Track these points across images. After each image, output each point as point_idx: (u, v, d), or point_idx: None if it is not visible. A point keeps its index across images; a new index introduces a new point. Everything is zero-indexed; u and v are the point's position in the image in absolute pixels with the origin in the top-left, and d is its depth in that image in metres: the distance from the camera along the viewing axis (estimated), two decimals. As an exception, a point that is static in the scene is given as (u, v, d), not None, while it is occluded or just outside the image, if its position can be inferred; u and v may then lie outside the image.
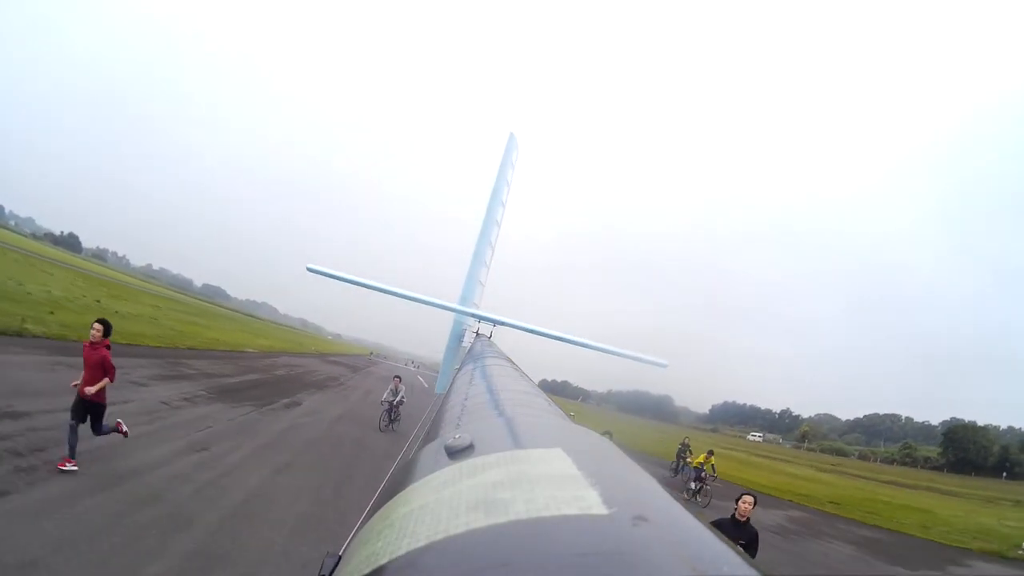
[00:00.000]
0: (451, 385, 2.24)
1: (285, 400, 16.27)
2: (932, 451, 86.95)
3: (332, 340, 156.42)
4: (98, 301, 31.59)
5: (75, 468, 6.34)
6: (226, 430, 10.36)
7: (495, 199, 6.15)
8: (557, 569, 0.32)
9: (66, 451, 6.37)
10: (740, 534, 5.64)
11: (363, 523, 0.58)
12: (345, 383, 28.56)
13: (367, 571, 0.40)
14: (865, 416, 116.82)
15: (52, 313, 20.11)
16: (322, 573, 0.67)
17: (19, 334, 14.46)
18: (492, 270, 6.16)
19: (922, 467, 78.95)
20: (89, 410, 6.69)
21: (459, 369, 3.04)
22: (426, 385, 34.73)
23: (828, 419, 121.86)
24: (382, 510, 0.55)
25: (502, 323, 4.69)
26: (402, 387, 15.75)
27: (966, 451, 78.46)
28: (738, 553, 0.36)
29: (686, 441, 20.51)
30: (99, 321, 6.79)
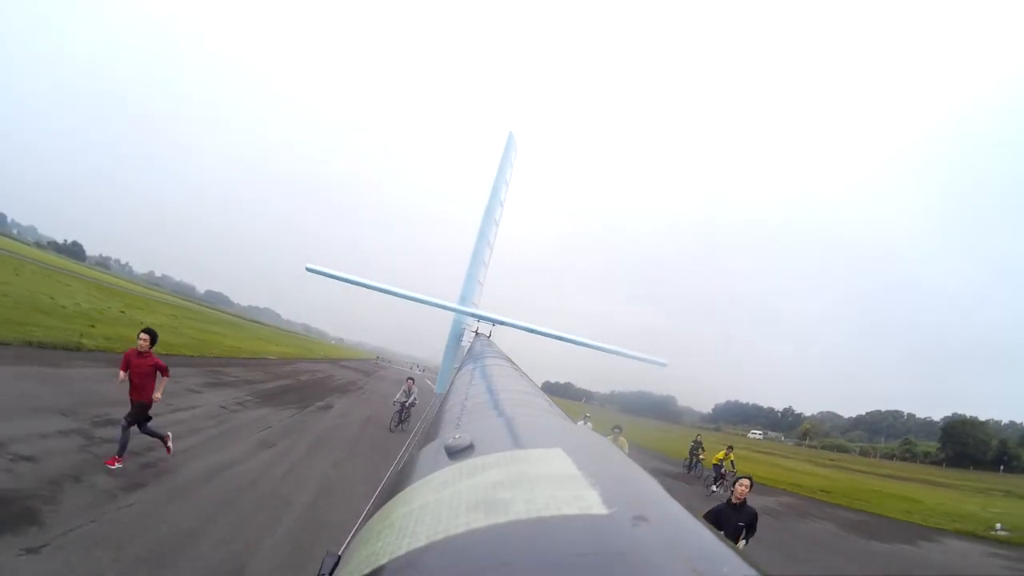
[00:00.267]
0: (451, 385, 2.26)
1: (319, 403, 17.76)
2: (932, 446, 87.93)
3: (336, 345, 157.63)
4: (123, 312, 32.85)
5: (121, 466, 6.78)
6: (283, 430, 11.84)
7: (494, 199, 6.15)
8: (557, 569, 0.32)
9: (116, 450, 6.84)
10: (739, 516, 5.83)
11: (363, 523, 0.58)
12: (363, 387, 30.05)
13: (367, 571, 0.40)
14: (867, 413, 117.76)
15: (93, 327, 21.43)
16: (322, 573, 0.67)
17: (78, 348, 15.84)
18: (491, 270, 6.18)
19: (921, 462, 79.64)
20: (139, 410, 7.14)
21: (459, 369, 3.04)
22: (430, 384, 36.23)
23: (831, 417, 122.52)
24: (382, 510, 0.55)
25: (502, 323, 4.68)
26: (415, 389, 16.34)
27: (964, 445, 79.26)
28: (738, 553, 0.36)
29: (698, 438, 20.57)
30: (146, 331, 7.14)
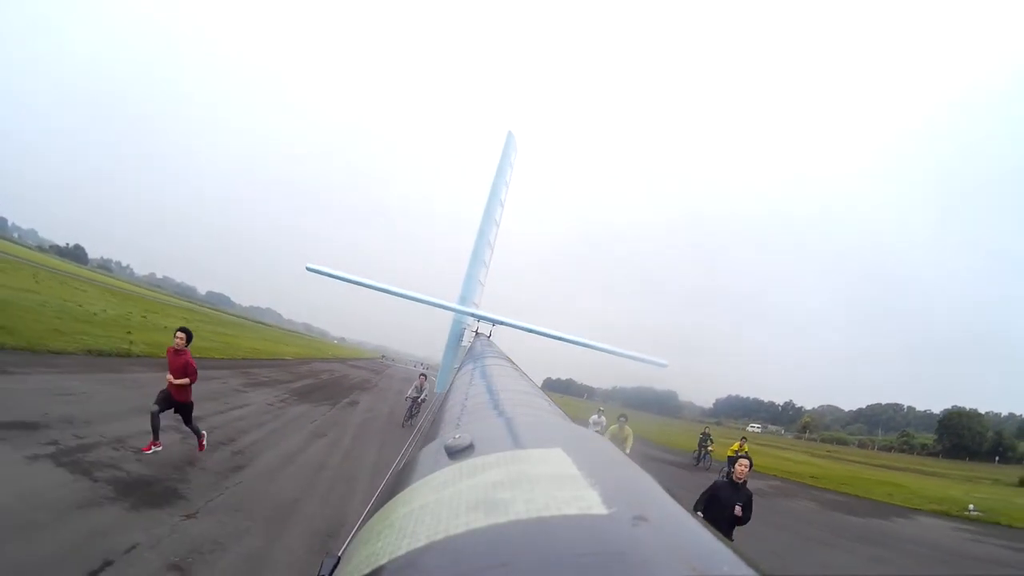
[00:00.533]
0: (451, 385, 2.25)
1: (346, 400, 19.38)
2: (929, 438, 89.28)
3: (340, 344, 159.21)
4: (144, 317, 33.85)
5: (159, 449, 7.38)
6: (326, 423, 13.39)
7: (493, 198, 6.15)
8: (557, 569, 0.32)
9: (151, 436, 7.36)
10: (738, 496, 6.01)
11: (363, 523, 0.58)
12: (378, 384, 31.79)
13: (367, 571, 0.40)
14: (867, 406, 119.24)
15: (130, 333, 22.61)
16: (321, 573, 0.67)
17: (128, 355, 17.05)
18: (491, 270, 6.19)
19: (919, 454, 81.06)
20: (179, 409, 7.66)
21: (459, 369, 3.04)
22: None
23: (831, 410, 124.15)
24: (382, 510, 0.56)
25: (501, 323, 4.65)
26: (427, 385, 16.37)
27: (960, 437, 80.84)
28: (738, 553, 0.36)
29: (707, 431, 21.11)
30: (182, 330, 7.64)
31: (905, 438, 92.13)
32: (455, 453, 0.61)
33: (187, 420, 7.89)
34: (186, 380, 7.55)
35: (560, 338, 4.22)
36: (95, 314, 26.23)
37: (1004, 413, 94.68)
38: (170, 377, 7.48)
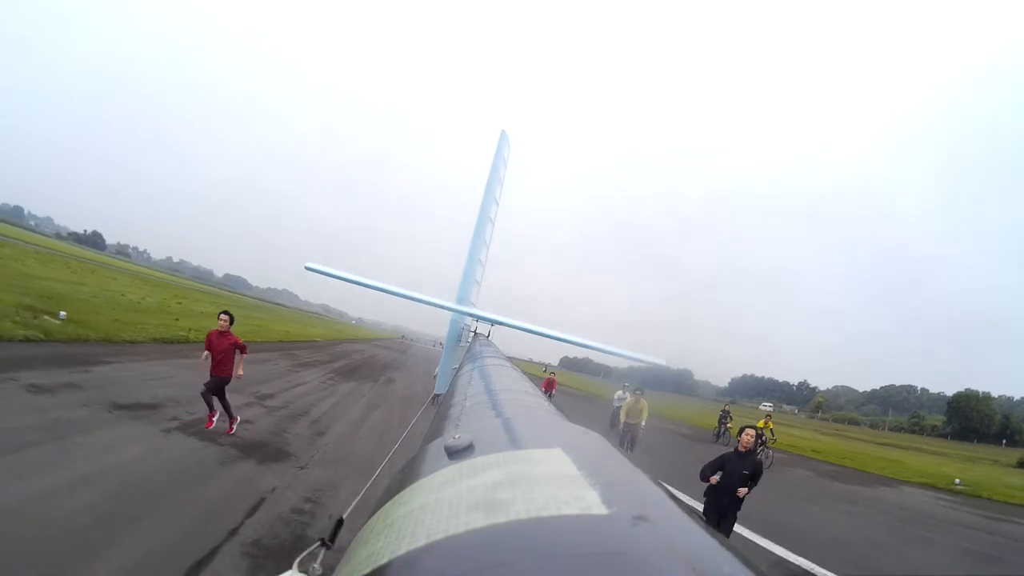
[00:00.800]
0: (450, 385, 2.30)
1: (384, 377, 21.50)
2: (939, 420, 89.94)
3: (359, 325, 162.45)
4: (179, 304, 35.14)
5: (216, 420, 8.11)
6: (376, 396, 15.28)
7: (488, 197, 6.11)
8: (557, 569, 0.32)
9: (207, 412, 8.05)
10: (744, 465, 6.07)
11: (363, 523, 0.58)
12: (406, 364, 34.14)
13: (367, 571, 0.40)
14: (881, 388, 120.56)
15: (178, 320, 23.52)
16: (322, 537, 0.69)
17: (187, 341, 17.99)
18: (489, 268, 6.18)
19: (928, 435, 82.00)
20: (218, 383, 8.02)
21: (458, 369, 3.01)
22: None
23: (845, 391, 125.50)
24: (382, 510, 0.56)
25: (500, 323, 4.60)
26: None
27: (969, 420, 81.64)
28: (738, 554, 0.36)
29: (726, 408, 21.87)
30: (225, 313, 7.97)
31: (916, 419, 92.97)
32: (455, 453, 0.62)
33: (222, 395, 8.14)
34: (242, 359, 8.28)
35: (560, 338, 4.08)
36: (138, 303, 27.00)
37: (1017, 397, 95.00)
38: (240, 373, 8.26)
